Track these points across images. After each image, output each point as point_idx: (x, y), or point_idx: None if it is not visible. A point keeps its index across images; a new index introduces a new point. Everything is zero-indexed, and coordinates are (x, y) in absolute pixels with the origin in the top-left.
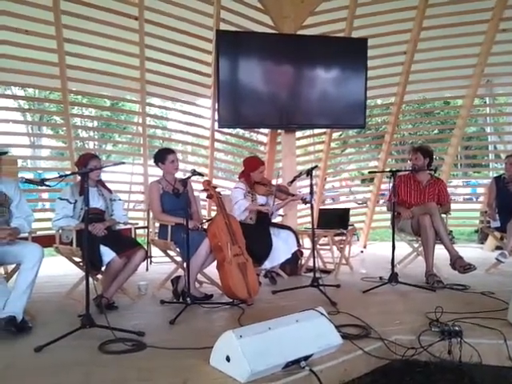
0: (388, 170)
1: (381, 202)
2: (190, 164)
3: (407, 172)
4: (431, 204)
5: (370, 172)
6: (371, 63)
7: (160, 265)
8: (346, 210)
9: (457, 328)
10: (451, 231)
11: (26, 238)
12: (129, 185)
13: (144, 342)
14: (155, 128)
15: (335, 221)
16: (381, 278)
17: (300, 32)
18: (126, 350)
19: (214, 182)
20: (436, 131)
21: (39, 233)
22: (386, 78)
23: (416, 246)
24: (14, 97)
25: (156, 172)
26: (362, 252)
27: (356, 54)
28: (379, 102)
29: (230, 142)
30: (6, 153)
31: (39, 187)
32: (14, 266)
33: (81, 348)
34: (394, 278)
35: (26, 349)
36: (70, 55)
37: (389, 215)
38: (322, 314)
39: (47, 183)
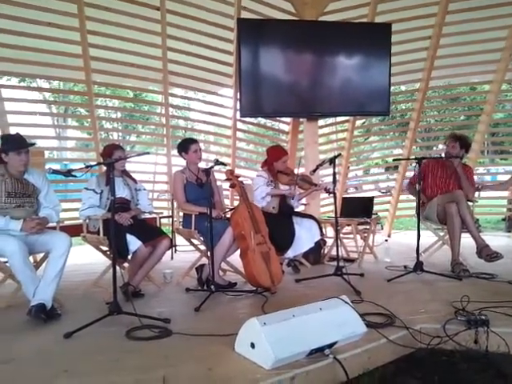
0: (413, 157)
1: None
2: (212, 154)
3: (435, 158)
4: (457, 192)
5: (394, 159)
6: (395, 49)
7: (184, 253)
8: (370, 199)
9: (483, 317)
10: (477, 219)
11: (54, 228)
12: (153, 175)
13: (170, 328)
14: (177, 118)
15: (359, 209)
16: (405, 266)
17: (322, 18)
18: (152, 336)
19: (236, 171)
20: (462, 117)
21: (67, 222)
22: (411, 64)
23: (441, 234)
24: (39, 89)
25: (179, 162)
26: (386, 241)
27: (379, 39)
28: (403, 88)
29: (252, 131)
30: (33, 144)
31: (66, 178)
32: (42, 254)
33: (108, 334)
34: (419, 266)
35: (56, 335)
36: (93, 47)
37: (414, 204)
38: (345, 302)
39: (74, 173)
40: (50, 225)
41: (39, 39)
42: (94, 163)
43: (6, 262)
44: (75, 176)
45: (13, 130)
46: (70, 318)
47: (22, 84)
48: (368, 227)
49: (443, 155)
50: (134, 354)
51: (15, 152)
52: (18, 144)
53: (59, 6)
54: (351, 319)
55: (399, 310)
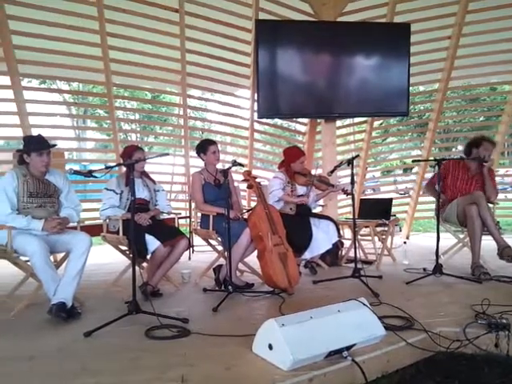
0: (432, 158)
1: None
2: (228, 154)
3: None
4: (478, 193)
5: (413, 161)
6: (413, 49)
7: (202, 253)
8: (389, 200)
9: (504, 321)
10: (498, 221)
11: (74, 228)
12: (170, 176)
13: (188, 328)
14: (195, 119)
15: (377, 211)
16: (424, 269)
17: (340, 19)
18: (171, 336)
19: (253, 172)
20: (482, 118)
21: (87, 222)
22: (430, 64)
23: (461, 236)
24: (60, 91)
25: (197, 163)
26: (404, 243)
27: (398, 39)
28: (421, 88)
29: (269, 132)
30: (54, 145)
31: (86, 178)
32: (63, 254)
33: (128, 333)
34: (438, 269)
35: (76, 334)
36: (113, 49)
37: (433, 205)
38: (364, 304)
39: (94, 174)
40: (71, 224)
41: (60, 42)
42: (114, 164)
43: (28, 260)
44: (96, 177)
45: (34, 132)
46: (89, 316)
47: (42, 86)
48: (386, 229)
49: (463, 156)
50: (153, 353)
51: (37, 153)
52: (40, 145)
53: (79, 9)
54: (370, 321)
55: (418, 313)
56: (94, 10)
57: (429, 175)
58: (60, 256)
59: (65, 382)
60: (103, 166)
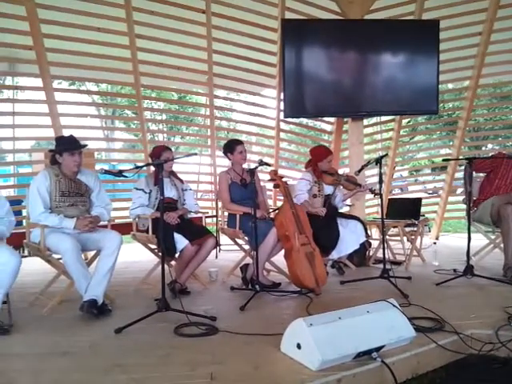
0: (463, 157)
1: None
2: (254, 154)
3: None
4: None
5: (444, 160)
6: (442, 46)
7: (228, 252)
8: (418, 200)
9: None
10: None
11: (105, 226)
12: (197, 175)
13: (216, 326)
14: (221, 119)
15: (406, 211)
16: (455, 270)
17: (367, 17)
18: (199, 333)
19: (279, 171)
20: None
21: (117, 221)
22: (459, 62)
23: (493, 237)
24: (89, 92)
25: (223, 162)
26: (434, 243)
27: (427, 37)
28: (450, 86)
29: (294, 131)
30: (85, 146)
31: (116, 178)
32: (94, 252)
33: (157, 330)
34: (469, 270)
35: (107, 330)
36: (141, 50)
37: (463, 206)
38: (393, 305)
39: (124, 174)
40: (102, 223)
41: (89, 44)
42: (144, 164)
43: (60, 258)
44: (126, 176)
45: (65, 132)
46: (120, 313)
47: (71, 87)
48: (415, 229)
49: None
50: (183, 350)
51: (69, 153)
52: (72, 145)
53: (109, 12)
54: (399, 323)
55: (449, 315)
56: (122, 12)
57: (459, 175)
58: (91, 254)
59: (97, 378)
60: (131, 166)
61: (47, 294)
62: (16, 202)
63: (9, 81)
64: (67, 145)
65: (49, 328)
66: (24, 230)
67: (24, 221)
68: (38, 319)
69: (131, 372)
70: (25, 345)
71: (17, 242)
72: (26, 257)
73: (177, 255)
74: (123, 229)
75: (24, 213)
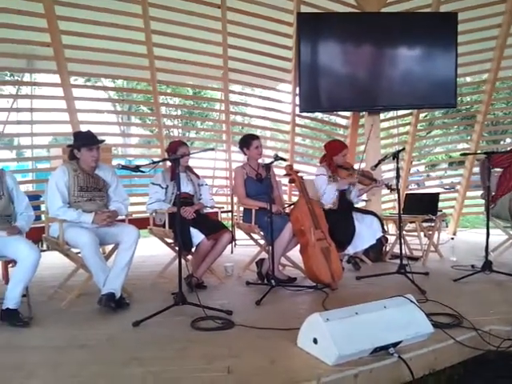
0: (482, 151)
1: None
2: (268, 149)
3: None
4: None
5: (462, 154)
6: (460, 38)
7: (244, 247)
8: (436, 195)
9: None
10: None
11: (123, 221)
12: (212, 170)
13: (232, 320)
14: (235, 114)
15: (423, 206)
16: (473, 266)
17: (384, 10)
18: (216, 327)
19: (295, 166)
20: None
21: (134, 216)
22: (478, 55)
23: None
24: (105, 88)
25: (238, 158)
26: (452, 239)
27: (445, 29)
28: (468, 79)
29: (309, 126)
30: (103, 141)
31: (133, 173)
32: (112, 246)
33: (174, 324)
34: (487, 266)
35: (125, 323)
36: (157, 46)
37: (481, 201)
38: (411, 301)
39: (141, 169)
40: (119, 218)
41: (106, 40)
42: (161, 159)
43: (79, 252)
44: (143, 171)
45: (82, 128)
46: (137, 307)
47: (87, 83)
48: (433, 224)
49: None
50: (199, 343)
51: (87, 148)
52: (90, 140)
53: (125, 8)
54: (417, 318)
55: (467, 311)
56: (138, 8)
57: (477, 169)
58: (109, 248)
59: (115, 371)
60: (147, 161)
61: (66, 288)
62: (34, 197)
63: (27, 77)
64: (85, 140)
65: (67, 321)
66: (42, 225)
67: (42, 215)
68: (57, 312)
69: (148, 365)
70: (44, 337)
71: (35, 236)
72: (44, 251)
73: (193, 250)
74: (140, 223)
75: (42, 208)
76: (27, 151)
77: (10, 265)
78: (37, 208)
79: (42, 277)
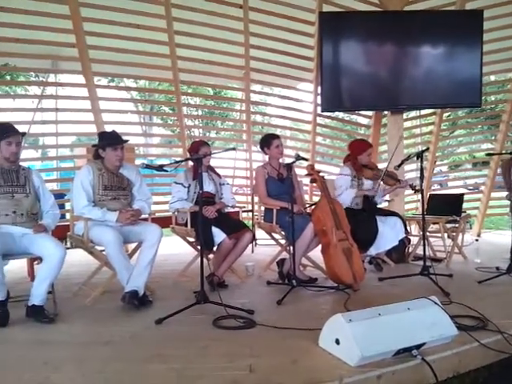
0: (507, 151)
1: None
2: (289, 149)
3: None
4: None
5: (487, 154)
6: (485, 37)
7: (264, 247)
8: (460, 196)
9: None
10: None
11: (146, 219)
12: (232, 170)
13: (254, 319)
14: (256, 114)
15: (447, 207)
16: (498, 268)
17: (407, 8)
18: (237, 326)
19: (316, 166)
20: None
21: (157, 214)
22: (503, 53)
23: None
24: (128, 88)
25: (259, 157)
26: (476, 240)
27: (470, 27)
28: (492, 78)
29: (330, 125)
30: (127, 141)
31: (156, 172)
32: (135, 244)
33: (196, 322)
34: None
35: (148, 321)
36: (179, 47)
37: (506, 201)
38: (435, 302)
39: (165, 168)
40: (143, 216)
41: (129, 41)
42: (184, 158)
43: (103, 250)
44: (166, 171)
45: (107, 128)
46: (159, 305)
47: (111, 84)
48: (457, 226)
49: None
50: (221, 342)
51: (112, 148)
52: (115, 140)
53: (148, 9)
54: (441, 321)
55: (492, 314)
56: (161, 9)
57: None
58: (132, 246)
59: (139, 367)
60: (168, 161)
61: (90, 285)
62: (59, 196)
63: (51, 78)
64: (110, 140)
65: (91, 318)
66: (67, 223)
67: (67, 214)
68: (82, 309)
69: (171, 362)
70: (69, 333)
71: (60, 234)
72: (68, 249)
73: (214, 249)
74: (163, 222)
75: (66, 206)
76: (51, 151)
77: (36, 262)
78: (61, 206)
79: (68, 274)
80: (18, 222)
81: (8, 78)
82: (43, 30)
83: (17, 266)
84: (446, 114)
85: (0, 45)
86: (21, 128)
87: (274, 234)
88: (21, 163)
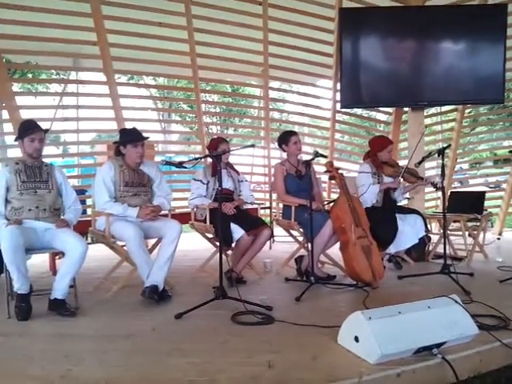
0: None
1: None
2: (307, 146)
3: None
4: None
5: (510, 152)
6: (508, 31)
7: (282, 244)
8: (481, 194)
9: None
10: None
11: (166, 215)
12: (250, 167)
13: (272, 316)
14: (274, 111)
15: (468, 205)
16: None
17: (428, 3)
18: (256, 322)
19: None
20: None
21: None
22: None
23: None
24: (147, 85)
25: (277, 154)
26: (498, 239)
27: (493, 22)
28: None
29: (349, 122)
30: (148, 138)
31: (176, 169)
32: (155, 240)
33: (215, 317)
34: None
35: (167, 315)
36: (199, 44)
37: None
38: (456, 301)
39: (184, 165)
40: (162, 212)
41: (150, 39)
42: (203, 155)
43: (124, 245)
44: (185, 167)
45: (127, 125)
46: (179, 299)
47: (130, 81)
48: (478, 224)
49: None
50: (240, 337)
51: (132, 145)
52: (135, 137)
53: (168, 6)
54: (462, 320)
55: None
56: (181, 6)
57: None
58: (151, 242)
59: (160, 360)
60: (187, 158)
61: (111, 279)
62: (80, 192)
63: (72, 76)
64: (131, 137)
65: (112, 311)
66: (88, 219)
67: (88, 209)
68: (103, 303)
69: (191, 356)
70: (90, 327)
71: (82, 229)
72: (89, 243)
73: (233, 245)
74: (182, 218)
75: (88, 202)
76: (71, 147)
77: (58, 256)
78: (82, 202)
79: (89, 268)
80: (41, 217)
81: (30, 75)
82: (65, 29)
83: (39, 260)
84: (467, 111)
85: (22, 43)
86: (43, 125)
87: (292, 231)
88: (43, 159)
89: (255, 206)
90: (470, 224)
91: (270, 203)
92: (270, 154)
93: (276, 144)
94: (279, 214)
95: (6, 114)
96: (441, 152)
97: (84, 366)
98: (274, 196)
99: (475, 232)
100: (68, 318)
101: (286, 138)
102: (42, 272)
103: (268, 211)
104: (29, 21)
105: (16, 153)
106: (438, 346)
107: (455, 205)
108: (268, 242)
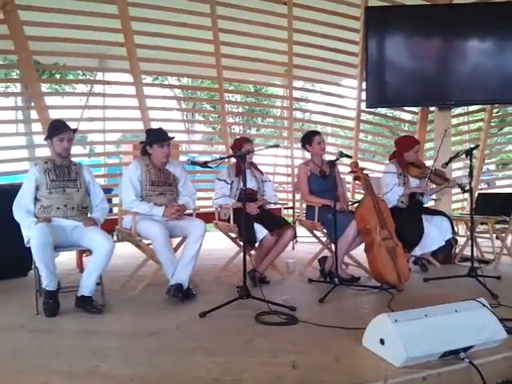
0: None
1: None
2: (330, 145)
3: None
4: None
5: None
6: None
7: (305, 244)
8: (510, 196)
9: None
10: None
11: (190, 214)
12: (273, 167)
13: (296, 316)
14: (298, 111)
15: (496, 207)
16: None
17: (455, 1)
18: (280, 322)
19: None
20: None
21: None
22: None
23: None
24: (172, 86)
25: (300, 154)
26: None
27: None
28: None
29: (374, 122)
30: (173, 138)
31: (201, 168)
32: (180, 239)
33: (239, 317)
34: None
35: (192, 314)
36: (224, 44)
37: None
38: (483, 305)
39: (209, 165)
40: (187, 211)
41: (176, 39)
42: (228, 155)
43: (150, 244)
44: (210, 167)
45: (153, 125)
46: (203, 298)
47: (155, 82)
48: (506, 226)
49: None
50: (264, 337)
51: (158, 144)
52: (161, 137)
53: (194, 7)
54: (489, 323)
55: None
56: (207, 7)
57: None
58: (176, 241)
59: (184, 359)
60: (210, 158)
61: (137, 277)
62: (106, 191)
63: (99, 76)
64: (157, 137)
65: (138, 309)
66: (115, 217)
67: (114, 208)
68: (128, 300)
69: (215, 355)
70: (116, 324)
71: (108, 228)
72: (116, 242)
73: (256, 245)
74: (206, 217)
75: (114, 201)
76: (97, 147)
77: (85, 254)
78: (109, 201)
79: (115, 266)
80: (69, 215)
81: (57, 76)
82: (92, 30)
83: (66, 258)
84: (495, 110)
85: (51, 45)
86: (70, 125)
87: (315, 232)
88: (72, 159)
89: (278, 206)
90: (497, 226)
91: (293, 203)
92: (293, 154)
93: (299, 144)
94: (302, 214)
95: (34, 114)
96: (469, 152)
97: (110, 362)
98: (297, 196)
99: (503, 234)
100: (94, 314)
101: (309, 138)
102: (69, 269)
103: (291, 211)
104: (57, 23)
105: (44, 152)
106: (465, 350)
107: (483, 206)
108: (291, 243)
